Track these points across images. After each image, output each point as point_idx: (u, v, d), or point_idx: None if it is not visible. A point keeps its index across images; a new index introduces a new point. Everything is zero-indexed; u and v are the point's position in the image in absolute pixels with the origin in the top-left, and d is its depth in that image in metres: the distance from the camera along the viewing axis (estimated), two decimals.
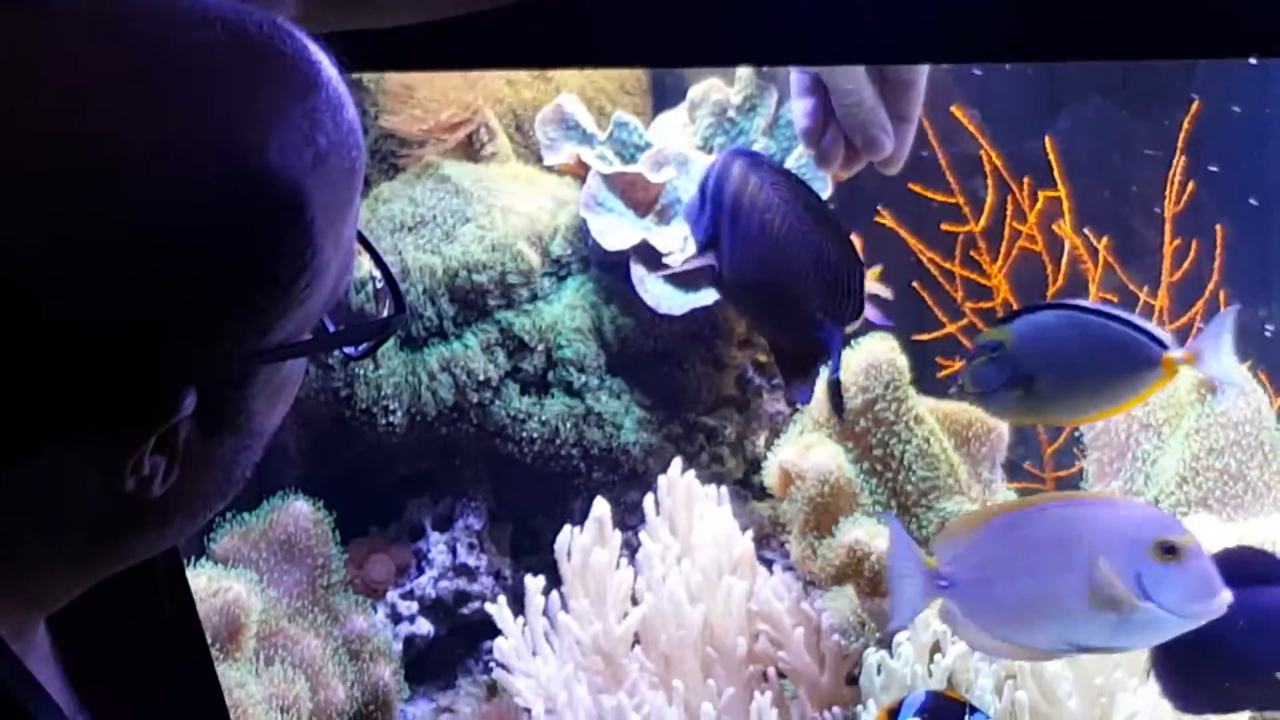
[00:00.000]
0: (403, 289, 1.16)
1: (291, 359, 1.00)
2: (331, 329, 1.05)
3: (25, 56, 0.89)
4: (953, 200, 3.46)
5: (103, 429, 0.92)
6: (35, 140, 0.88)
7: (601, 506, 2.97)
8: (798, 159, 3.29)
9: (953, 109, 3.40)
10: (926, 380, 3.10)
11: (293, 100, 0.94)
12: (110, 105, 0.89)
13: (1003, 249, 3.49)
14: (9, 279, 0.87)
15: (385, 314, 1.09)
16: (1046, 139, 3.35)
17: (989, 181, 3.44)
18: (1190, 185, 3.34)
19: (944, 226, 3.49)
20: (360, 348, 1.10)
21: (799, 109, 1.41)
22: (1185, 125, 3.30)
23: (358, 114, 1.00)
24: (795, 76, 1.41)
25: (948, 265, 3.52)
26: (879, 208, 3.42)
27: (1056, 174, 3.33)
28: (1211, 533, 2.68)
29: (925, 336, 3.44)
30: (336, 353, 1.10)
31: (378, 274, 1.10)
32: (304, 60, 0.96)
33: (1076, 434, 3.16)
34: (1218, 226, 3.41)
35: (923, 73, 1.40)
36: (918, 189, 3.34)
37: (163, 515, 1.00)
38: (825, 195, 3.24)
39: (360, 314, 1.08)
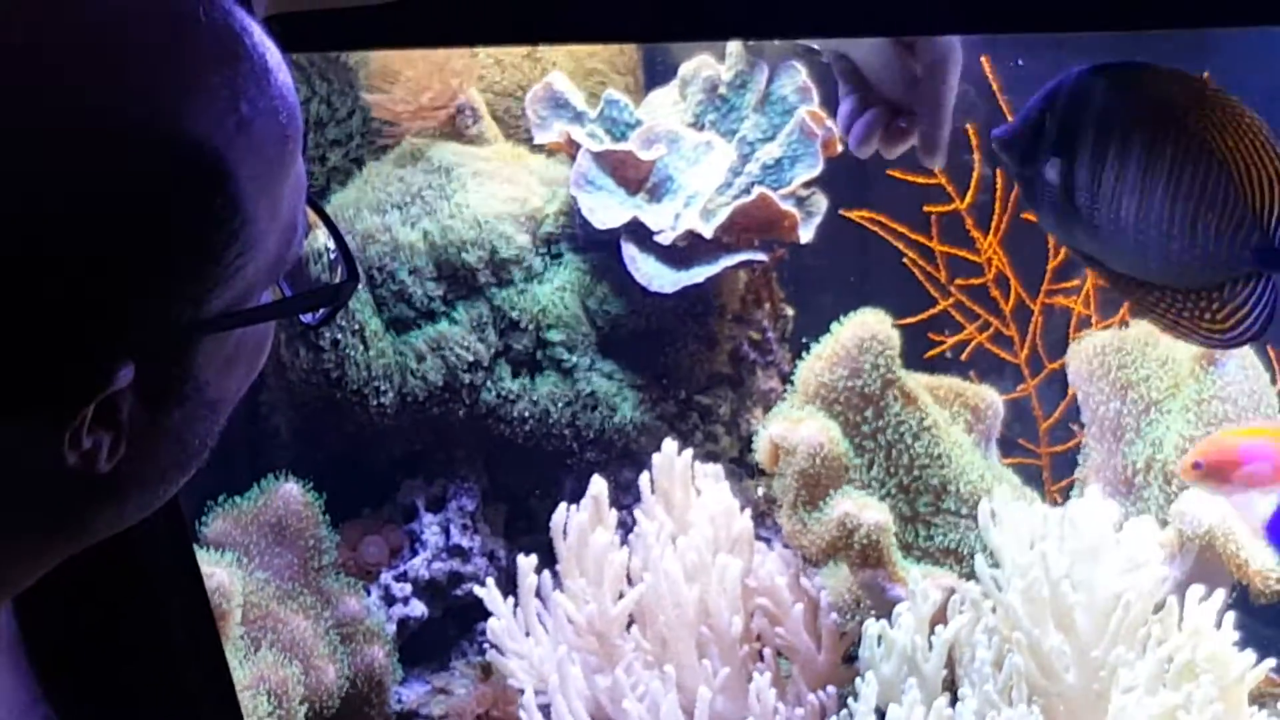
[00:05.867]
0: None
1: (236, 327, 0.98)
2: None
3: None
4: (935, 181, 3.45)
5: (31, 405, 0.91)
6: None
7: (598, 485, 2.96)
8: (788, 135, 3.28)
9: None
10: (914, 359, 3.09)
11: (212, 68, 0.93)
12: (17, 74, 0.88)
13: (994, 222, 3.47)
14: None
15: (337, 281, 1.08)
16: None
17: (976, 158, 3.43)
18: None
19: (927, 208, 3.48)
20: (317, 315, 1.09)
21: (842, 106, 1.43)
22: None
23: (293, 83, 0.99)
24: (840, 85, 1.43)
25: (932, 245, 3.51)
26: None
27: None
28: (1213, 503, 2.69)
29: (913, 319, 3.42)
30: (308, 321, 1.08)
31: (333, 243, 1.08)
32: (224, 29, 0.94)
33: (1073, 408, 3.14)
34: None
35: (950, 58, 1.40)
36: (897, 174, 3.32)
37: (117, 489, 0.99)
38: (816, 172, 3.23)
39: (318, 283, 1.06)
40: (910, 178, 3.36)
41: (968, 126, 3.38)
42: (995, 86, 3.33)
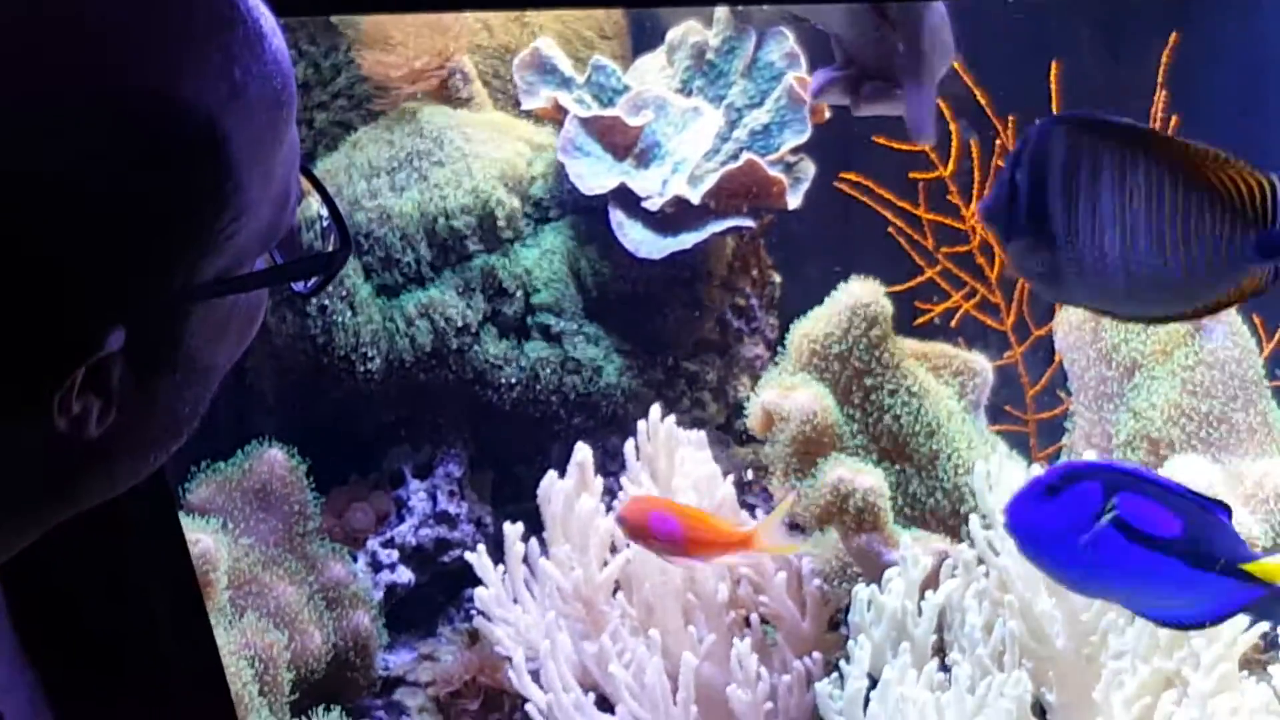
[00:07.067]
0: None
1: (227, 295, 0.98)
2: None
3: None
4: (919, 149, 3.44)
5: (19, 368, 0.90)
6: None
7: (583, 451, 2.95)
8: (776, 101, 3.27)
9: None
10: (901, 327, 3.09)
11: (205, 33, 0.92)
12: (9, 39, 0.87)
13: (976, 189, 3.47)
14: None
15: (330, 250, 1.08)
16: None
17: (952, 127, 3.42)
18: (1174, 120, 3.30)
19: (912, 175, 3.47)
20: (309, 284, 1.08)
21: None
22: (1164, 59, 3.26)
23: (287, 50, 0.98)
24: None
25: (919, 213, 3.50)
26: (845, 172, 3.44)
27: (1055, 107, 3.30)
28: (1200, 471, 2.68)
29: (901, 287, 3.41)
30: (300, 290, 1.08)
31: (326, 211, 1.08)
32: None
33: (1060, 375, 3.14)
34: None
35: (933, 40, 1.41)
36: (881, 140, 3.31)
37: (107, 456, 0.98)
38: (804, 137, 3.22)
39: (310, 251, 1.05)
40: (895, 145, 3.35)
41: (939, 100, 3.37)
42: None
